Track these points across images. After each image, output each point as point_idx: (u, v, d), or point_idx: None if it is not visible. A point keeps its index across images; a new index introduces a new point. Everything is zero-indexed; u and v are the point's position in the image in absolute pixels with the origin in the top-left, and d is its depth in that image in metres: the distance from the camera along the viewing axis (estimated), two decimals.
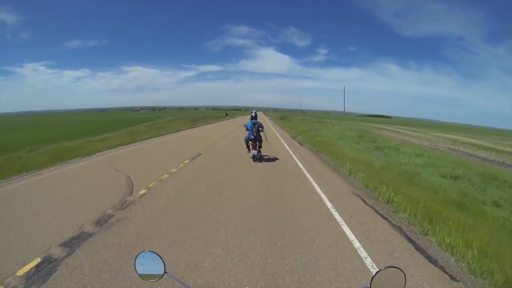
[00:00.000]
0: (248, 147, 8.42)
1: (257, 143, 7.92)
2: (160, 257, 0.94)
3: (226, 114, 58.95)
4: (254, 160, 7.86)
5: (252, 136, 7.88)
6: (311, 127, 25.37)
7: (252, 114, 8.40)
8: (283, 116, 64.79)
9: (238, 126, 23.23)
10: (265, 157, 8.49)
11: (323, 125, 30.59)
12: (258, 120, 8.26)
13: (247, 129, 8.13)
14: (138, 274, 0.96)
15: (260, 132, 8.04)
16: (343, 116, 49.48)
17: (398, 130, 39.97)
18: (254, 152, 7.87)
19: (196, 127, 25.64)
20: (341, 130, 23.78)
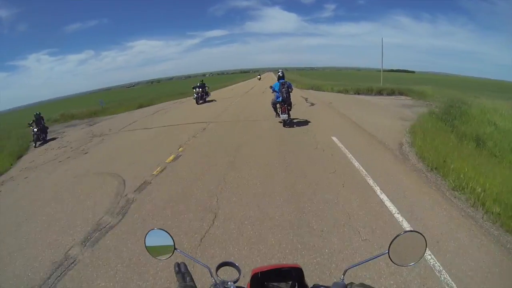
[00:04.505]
0: (276, 110, 8.20)
1: (287, 105, 7.66)
2: (170, 234, 0.95)
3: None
4: (284, 126, 7.73)
5: (281, 98, 7.61)
6: None
7: (279, 73, 8.02)
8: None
9: None
10: (295, 121, 8.28)
11: None
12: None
13: (274, 91, 7.82)
14: (149, 252, 0.98)
15: (290, 93, 7.79)
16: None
17: None
18: (285, 116, 7.62)
19: None
20: None
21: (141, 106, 18.84)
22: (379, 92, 15.68)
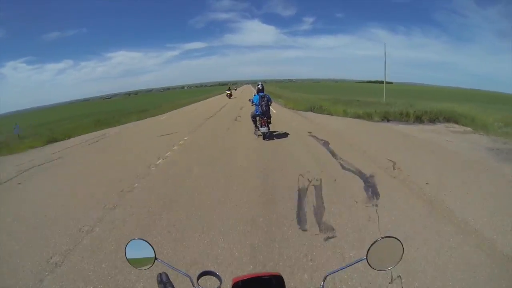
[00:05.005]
0: (255, 124, 8.25)
1: (266, 118, 7.73)
2: (150, 244, 0.97)
3: None
4: (264, 138, 7.75)
5: (261, 111, 7.71)
6: None
7: (259, 86, 8.21)
8: None
9: None
10: (275, 134, 8.29)
11: None
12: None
13: (254, 104, 7.95)
14: (129, 262, 0.98)
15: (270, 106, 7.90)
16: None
17: None
18: (264, 129, 7.68)
19: None
20: None
21: (53, 140, 11.11)
22: (419, 118, 10.15)
